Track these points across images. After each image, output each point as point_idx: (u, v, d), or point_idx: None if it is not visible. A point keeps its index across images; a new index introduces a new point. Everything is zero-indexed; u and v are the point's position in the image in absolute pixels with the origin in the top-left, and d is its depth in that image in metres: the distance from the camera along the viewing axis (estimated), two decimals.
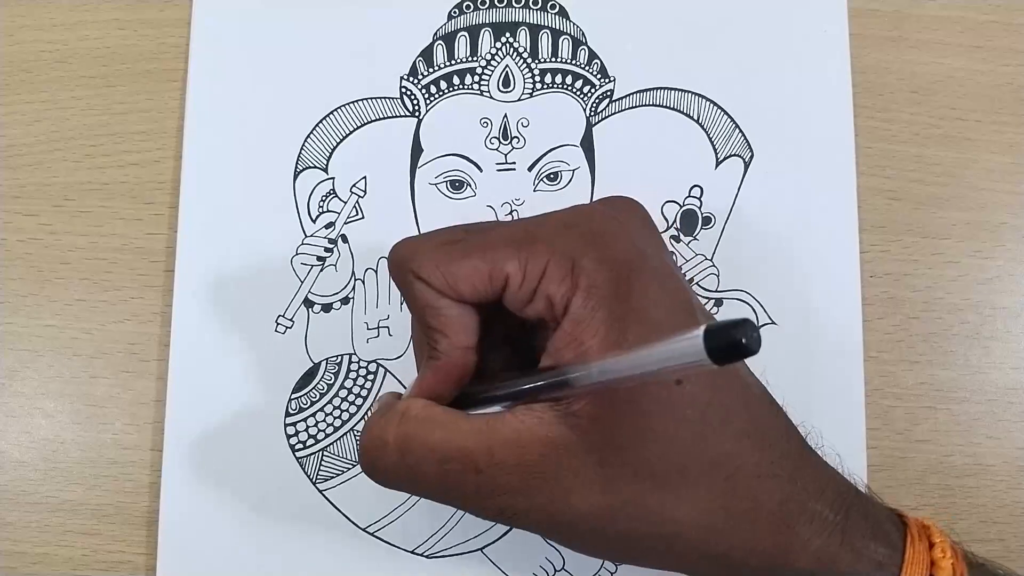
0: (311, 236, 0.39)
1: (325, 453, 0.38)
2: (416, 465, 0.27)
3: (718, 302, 0.38)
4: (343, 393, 0.38)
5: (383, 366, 0.38)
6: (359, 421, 0.38)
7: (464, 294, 0.28)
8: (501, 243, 0.28)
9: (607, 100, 0.40)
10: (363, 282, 0.39)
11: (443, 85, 0.40)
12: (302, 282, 0.39)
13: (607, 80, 0.40)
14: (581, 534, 0.28)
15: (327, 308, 0.39)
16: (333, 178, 0.39)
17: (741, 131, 0.40)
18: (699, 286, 0.38)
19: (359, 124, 0.40)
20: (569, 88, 0.40)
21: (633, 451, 0.26)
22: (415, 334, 0.32)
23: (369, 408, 0.38)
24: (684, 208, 0.39)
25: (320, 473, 0.38)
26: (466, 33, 0.40)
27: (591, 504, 0.26)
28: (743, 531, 0.27)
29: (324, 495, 0.38)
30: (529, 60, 0.40)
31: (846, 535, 0.27)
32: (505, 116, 0.40)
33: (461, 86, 0.40)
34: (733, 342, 0.19)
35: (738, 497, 0.27)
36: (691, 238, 0.39)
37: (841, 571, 0.27)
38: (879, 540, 0.28)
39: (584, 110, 0.40)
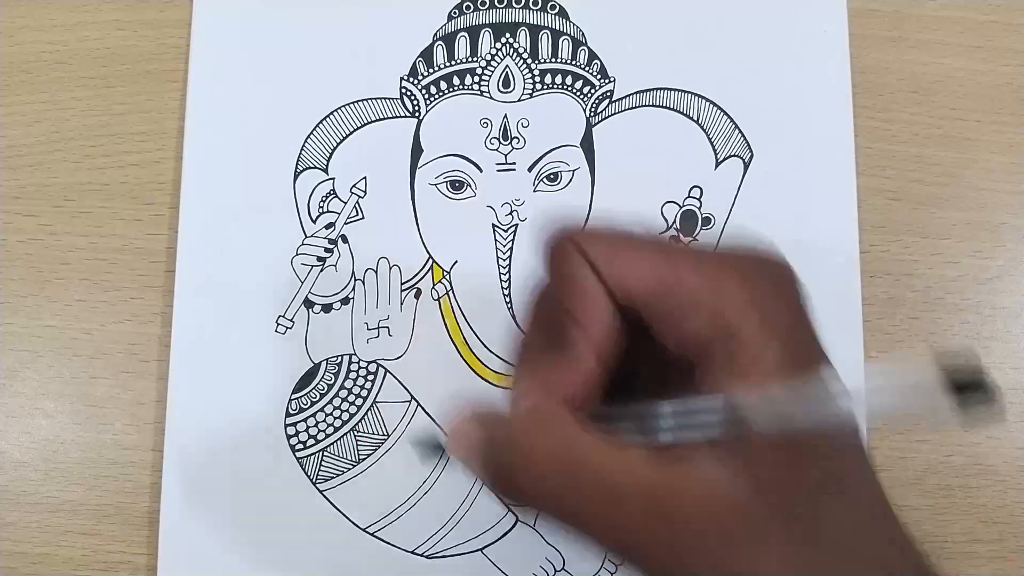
0: (311, 236, 0.39)
1: (325, 453, 0.38)
2: (579, 492, 0.23)
3: None
4: (343, 393, 0.38)
5: (383, 366, 0.38)
6: (359, 421, 0.38)
7: (625, 285, 0.24)
8: (682, 249, 0.25)
9: (607, 100, 0.40)
10: (363, 282, 0.39)
11: (443, 85, 0.40)
12: (302, 282, 0.39)
13: (607, 80, 0.40)
14: None
15: (327, 308, 0.39)
16: (333, 178, 0.39)
17: (741, 131, 0.40)
18: None
19: (359, 124, 0.40)
20: (569, 88, 0.40)
21: (817, 520, 0.23)
22: (530, 330, 0.28)
23: (372, 406, 0.38)
24: (684, 208, 0.39)
25: (320, 473, 0.38)
26: (466, 33, 0.40)
27: (775, 572, 0.23)
28: None
29: (324, 495, 0.38)
30: (529, 60, 0.40)
31: None
32: (505, 116, 0.40)
33: (461, 86, 0.40)
34: (979, 388, 0.18)
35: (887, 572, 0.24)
36: (691, 238, 0.39)
37: None
38: None
39: (584, 110, 0.40)
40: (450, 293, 0.39)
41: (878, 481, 0.25)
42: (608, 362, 0.25)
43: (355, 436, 0.38)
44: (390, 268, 0.39)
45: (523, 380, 0.26)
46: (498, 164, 0.39)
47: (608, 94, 0.40)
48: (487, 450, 0.25)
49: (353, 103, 0.40)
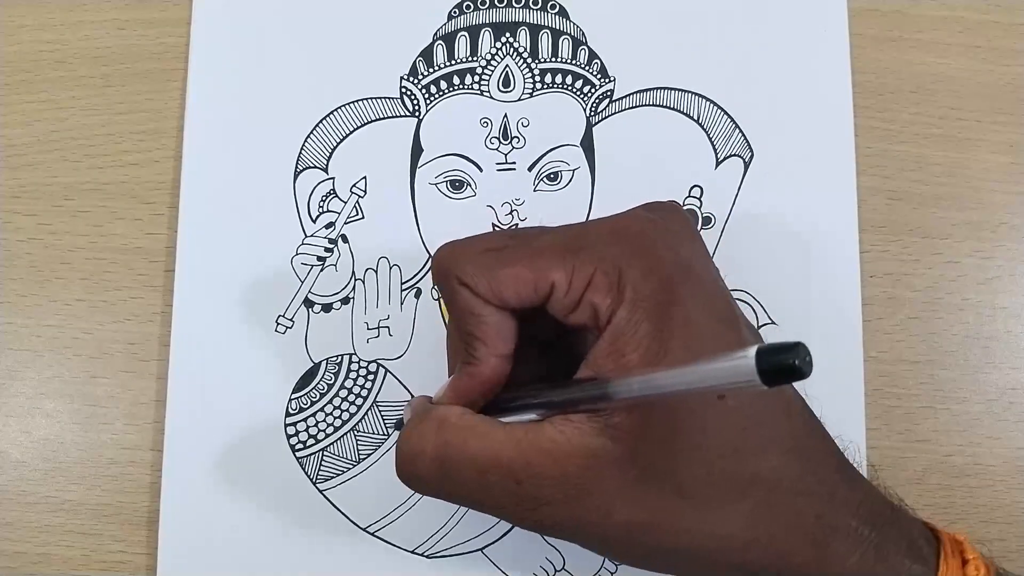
0: (311, 236, 0.39)
1: (325, 453, 0.38)
2: (454, 475, 0.27)
3: None
4: (343, 393, 0.38)
5: (383, 366, 0.38)
6: (359, 421, 0.38)
7: (508, 301, 0.28)
8: (547, 251, 0.28)
9: (607, 100, 0.40)
10: (363, 282, 0.39)
11: (443, 85, 0.40)
12: (302, 282, 0.39)
13: (607, 80, 0.40)
14: (618, 545, 0.28)
15: (327, 308, 0.39)
16: (333, 178, 0.39)
17: (741, 131, 0.40)
18: None
19: (359, 124, 0.40)
20: (569, 88, 0.40)
21: (673, 465, 0.26)
22: (451, 338, 0.32)
23: (372, 406, 0.38)
24: (684, 208, 0.39)
25: (320, 473, 0.38)
26: (466, 33, 0.40)
27: (629, 517, 0.26)
28: (779, 547, 0.27)
29: (324, 495, 0.38)
30: (529, 60, 0.40)
31: (880, 551, 0.27)
32: (505, 116, 0.40)
33: (461, 86, 0.40)
34: (786, 366, 0.19)
35: (776, 513, 0.27)
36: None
37: None
38: (913, 557, 0.28)
39: (584, 110, 0.40)
40: None
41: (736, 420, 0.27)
42: (511, 357, 0.29)
43: (355, 436, 0.38)
44: (390, 268, 0.39)
45: (442, 394, 0.30)
46: (498, 164, 0.39)
47: (608, 93, 0.40)
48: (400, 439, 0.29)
49: (353, 103, 0.40)
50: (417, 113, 0.40)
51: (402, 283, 0.39)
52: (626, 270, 0.27)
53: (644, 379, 0.24)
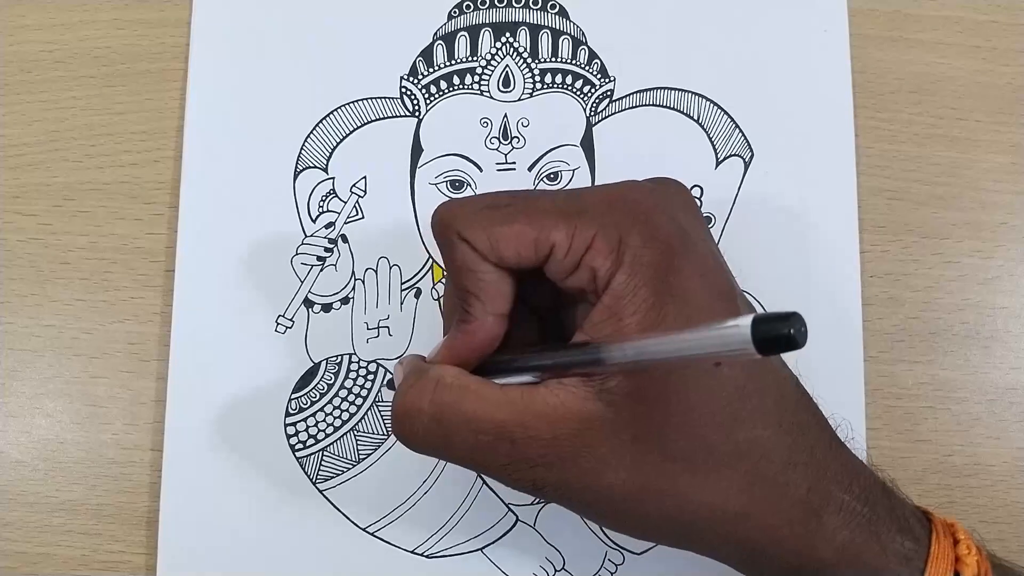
0: (311, 236, 0.39)
1: (325, 453, 0.38)
2: (450, 434, 0.27)
3: None
4: (343, 393, 0.38)
5: (383, 366, 0.38)
6: (359, 421, 0.38)
7: (507, 259, 0.27)
8: (550, 211, 0.28)
9: (607, 100, 0.40)
10: (363, 282, 0.39)
11: (443, 85, 0.40)
12: (302, 282, 0.39)
13: (607, 80, 0.40)
14: (609, 511, 0.28)
15: (327, 308, 0.39)
16: (333, 178, 0.39)
17: (741, 131, 0.40)
18: None
19: (359, 124, 0.40)
20: (569, 88, 0.40)
21: (667, 431, 0.26)
22: (447, 296, 0.32)
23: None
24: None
25: (320, 473, 0.38)
26: (466, 33, 0.40)
27: (622, 482, 0.26)
28: (770, 518, 0.27)
29: (324, 495, 0.38)
30: (529, 60, 0.40)
31: (872, 527, 0.27)
32: (505, 116, 0.40)
33: (461, 86, 0.40)
34: (782, 335, 0.19)
35: (767, 484, 0.27)
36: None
37: (866, 563, 0.27)
38: (905, 534, 0.28)
39: (584, 110, 0.40)
40: None
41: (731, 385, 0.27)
42: (507, 317, 0.29)
43: (355, 436, 0.38)
44: (390, 268, 0.39)
45: (436, 353, 0.30)
46: (498, 164, 0.39)
47: (608, 93, 0.40)
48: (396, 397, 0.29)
49: (353, 103, 0.40)
50: (417, 113, 0.40)
51: (402, 283, 0.39)
52: (626, 236, 0.27)
53: (638, 344, 0.24)
